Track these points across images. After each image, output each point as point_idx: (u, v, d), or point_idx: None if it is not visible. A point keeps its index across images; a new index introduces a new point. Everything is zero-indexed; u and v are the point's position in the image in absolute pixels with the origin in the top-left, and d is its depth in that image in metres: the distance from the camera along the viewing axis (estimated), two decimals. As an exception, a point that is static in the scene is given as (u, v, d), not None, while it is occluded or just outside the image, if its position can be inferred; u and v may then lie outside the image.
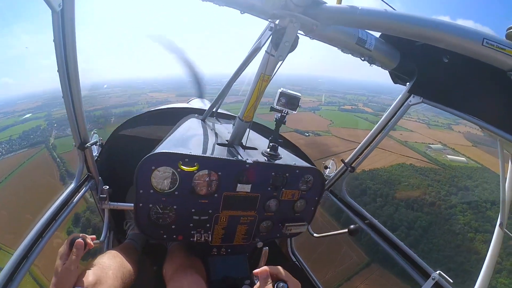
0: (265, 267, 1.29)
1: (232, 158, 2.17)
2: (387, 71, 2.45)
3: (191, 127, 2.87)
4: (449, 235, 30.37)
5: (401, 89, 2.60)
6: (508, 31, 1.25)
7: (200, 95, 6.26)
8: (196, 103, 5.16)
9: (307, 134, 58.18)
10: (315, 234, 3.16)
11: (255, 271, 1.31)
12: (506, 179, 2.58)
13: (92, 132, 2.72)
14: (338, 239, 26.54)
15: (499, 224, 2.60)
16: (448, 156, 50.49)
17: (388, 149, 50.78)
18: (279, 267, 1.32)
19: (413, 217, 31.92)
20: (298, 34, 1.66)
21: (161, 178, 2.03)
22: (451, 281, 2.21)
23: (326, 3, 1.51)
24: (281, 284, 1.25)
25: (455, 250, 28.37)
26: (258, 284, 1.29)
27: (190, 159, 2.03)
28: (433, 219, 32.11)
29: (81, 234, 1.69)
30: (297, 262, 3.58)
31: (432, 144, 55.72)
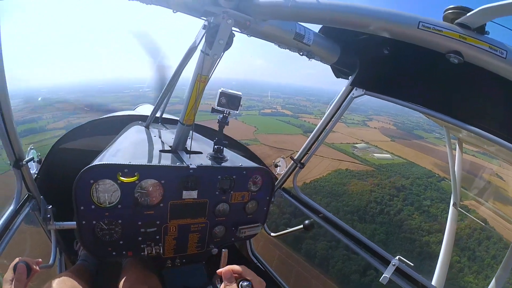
0: (228, 266, 1.28)
1: (174, 165, 2.12)
2: (321, 68, 2.49)
3: (133, 135, 2.80)
4: (407, 243, 29.07)
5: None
6: (445, 13, 1.27)
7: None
8: (143, 110, 4.73)
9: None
10: (272, 234, 3.25)
11: (218, 270, 1.28)
12: (455, 162, 2.87)
13: (29, 148, 2.54)
14: (297, 237, 25.39)
15: (453, 204, 2.87)
16: (374, 154, 51.83)
17: (319, 154, 49.99)
18: (243, 266, 1.30)
19: (370, 231, 30.16)
20: (233, 32, 1.67)
21: (101, 192, 1.93)
22: (412, 264, 2.24)
23: None
24: (245, 283, 1.23)
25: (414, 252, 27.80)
26: (221, 286, 1.25)
27: (129, 169, 1.95)
28: (389, 229, 30.96)
29: (25, 258, 1.55)
30: (259, 264, 3.53)
31: (356, 143, 57.02)
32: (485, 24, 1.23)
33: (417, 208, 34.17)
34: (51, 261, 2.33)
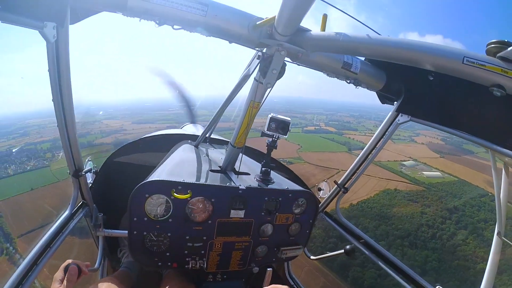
0: (273, 286, 1.32)
1: (225, 185, 2.18)
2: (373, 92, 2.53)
3: (184, 153, 2.87)
4: (461, 272, 28.25)
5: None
6: (488, 47, 1.29)
7: (193, 120, 6.24)
8: (189, 129, 5.14)
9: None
10: (312, 257, 3.35)
11: None
12: (500, 188, 2.64)
13: (87, 160, 2.73)
14: (344, 263, 25.59)
15: (497, 233, 2.65)
16: (424, 172, 50.26)
17: (365, 173, 49.01)
18: (286, 286, 1.35)
19: (421, 258, 29.61)
20: (285, 61, 1.75)
21: (155, 206, 2.02)
22: None
23: (310, 30, 1.60)
24: None
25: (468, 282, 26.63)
26: None
27: (183, 186, 2.02)
28: (442, 256, 30.15)
29: (76, 261, 1.69)
30: (295, 286, 3.52)
31: (404, 161, 55.52)
32: None
33: (471, 231, 32.86)
34: (96, 265, 2.51)
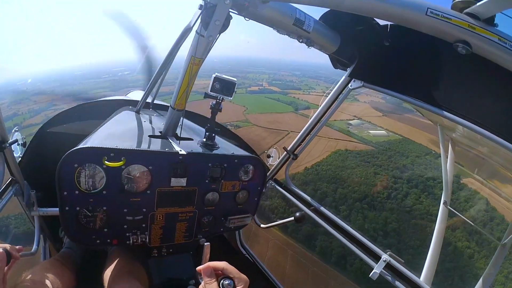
0: (208, 263, 1.22)
1: (164, 150, 2.05)
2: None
3: (123, 119, 2.73)
4: (418, 230, 28.87)
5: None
6: (454, 1, 1.25)
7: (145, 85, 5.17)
8: (135, 95, 4.66)
9: (229, 128, 52.08)
10: (262, 225, 3.22)
11: (198, 267, 1.22)
12: (447, 161, 2.83)
13: (13, 130, 2.48)
14: (287, 229, 25.64)
15: (443, 203, 2.90)
16: (370, 131, 50.78)
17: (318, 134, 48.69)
18: (224, 262, 1.23)
19: (382, 219, 29.60)
20: (230, 13, 1.64)
21: (86, 177, 1.86)
22: (402, 260, 2.22)
23: None
24: (227, 281, 1.15)
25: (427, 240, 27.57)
26: (201, 284, 1.20)
27: (116, 153, 1.87)
28: (399, 216, 30.40)
29: (5, 245, 1.49)
30: (247, 256, 3.50)
31: (350, 120, 55.69)
32: (495, 15, 1.20)
33: (422, 190, 33.48)
34: (33, 249, 2.25)
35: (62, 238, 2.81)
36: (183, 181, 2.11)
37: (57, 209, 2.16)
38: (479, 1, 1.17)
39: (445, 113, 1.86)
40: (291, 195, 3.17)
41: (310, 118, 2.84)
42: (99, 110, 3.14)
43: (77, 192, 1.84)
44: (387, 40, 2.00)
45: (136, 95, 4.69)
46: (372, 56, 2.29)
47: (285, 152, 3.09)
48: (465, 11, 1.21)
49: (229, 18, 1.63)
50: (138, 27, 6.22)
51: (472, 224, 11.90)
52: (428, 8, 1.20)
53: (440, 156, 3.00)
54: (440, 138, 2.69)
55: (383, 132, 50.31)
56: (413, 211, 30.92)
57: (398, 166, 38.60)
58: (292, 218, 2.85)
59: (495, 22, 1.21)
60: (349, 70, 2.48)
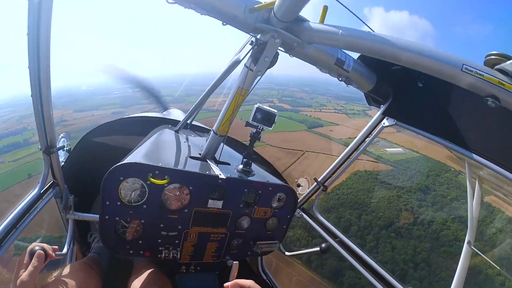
0: (236, 280, 1.25)
1: (204, 173, 2.12)
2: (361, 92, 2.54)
3: (164, 138, 2.80)
4: (449, 260, 27.74)
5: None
6: (487, 58, 1.32)
7: (165, 107, 5.73)
8: (168, 114, 4.82)
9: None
10: (286, 253, 3.22)
11: (226, 284, 1.25)
12: (473, 199, 2.79)
13: (61, 136, 2.69)
14: (310, 258, 25.20)
15: (467, 242, 2.73)
16: (386, 149, 49.75)
17: (331, 153, 48.21)
18: (251, 281, 1.28)
19: (411, 249, 28.54)
20: (278, 50, 1.71)
21: (129, 190, 1.94)
22: None
23: (309, 21, 1.57)
24: None
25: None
26: None
27: (160, 171, 1.96)
28: (428, 245, 29.18)
29: (42, 245, 1.59)
30: (267, 281, 3.50)
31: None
32: None
33: (448, 213, 32.49)
34: (64, 250, 2.27)
35: (90, 243, 2.88)
36: (219, 204, 2.19)
37: (91, 215, 2.45)
38: (510, 59, 1.25)
39: (474, 156, 1.93)
40: (317, 225, 3.21)
41: (342, 153, 2.90)
42: (138, 126, 3.27)
43: (119, 203, 1.92)
44: (421, 82, 2.09)
45: (173, 113, 5.00)
46: (406, 96, 2.35)
47: (315, 183, 3.13)
48: (496, 67, 1.29)
49: (277, 55, 1.72)
50: (130, 75, 6.74)
51: (498, 268, 11.55)
52: (463, 64, 1.26)
53: (467, 193, 2.93)
54: (467, 175, 2.66)
55: (400, 150, 49.39)
56: (441, 238, 29.85)
57: (421, 187, 37.84)
58: (318, 248, 2.92)
59: None
60: (383, 108, 2.52)
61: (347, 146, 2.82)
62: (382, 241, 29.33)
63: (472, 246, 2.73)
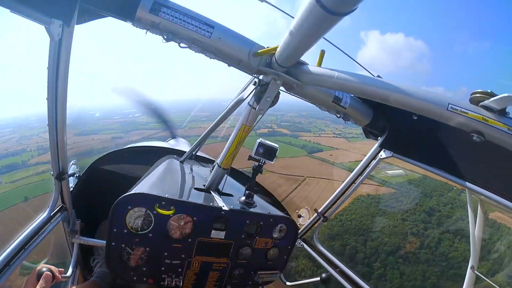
0: None
1: (208, 205, 2.20)
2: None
3: (170, 168, 2.86)
4: (459, 282, 26.87)
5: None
6: (472, 95, 1.40)
7: (173, 136, 6.06)
8: (172, 143, 5.18)
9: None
10: (287, 283, 3.23)
11: None
12: (475, 224, 2.80)
13: (71, 163, 2.75)
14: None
15: (471, 267, 2.75)
16: (387, 172, 49.53)
17: (333, 178, 48.05)
18: None
19: (420, 274, 28.03)
20: (279, 90, 1.85)
21: (136, 219, 2.01)
22: None
23: (308, 64, 1.68)
24: None
25: None
26: None
27: (167, 202, 2.05)
28: (437, 268, 28.69)
29: (50, 266, 1.67)
30: None
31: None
32: (506, 108, 1.34)
33: (454, 234, 32.00)
34: (69, 273, 2.32)
35: (93, 267, 2.91)
36: (222, 234, 2.25)
37: (96, 240, 2.53)
38: (494, 97, 1.32)
39: (468, 184, 2.06)
40: (318, 255, 3.25)
41: (343, 177, 2.99)
42: (144, 155, 3.43)
43: (125, 231, 2.00)
44: (415, 115, 2.20)
45: (179, 143, 5.27)
46: (401, 129, 2.46)
47: (316, 214, 3.18)
48: (480, 104, 1.36)
49: (278, 95, 1.84)
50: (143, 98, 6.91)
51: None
52: (449, 103, 1.35)
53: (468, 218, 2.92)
54: (468, 200, 2.69)
55: (400, 171, 48.90)
56: (450, 260, 29.37)
57: (425, 209, 37.49)
58: (318, 278, 2.96)
59: (507, 112, 1.35)
60: (380, 140, 2.63)
61: (348, 170, 3.01)
62: (389, 268, 28.83)
63: (475, 271, 2.75)
